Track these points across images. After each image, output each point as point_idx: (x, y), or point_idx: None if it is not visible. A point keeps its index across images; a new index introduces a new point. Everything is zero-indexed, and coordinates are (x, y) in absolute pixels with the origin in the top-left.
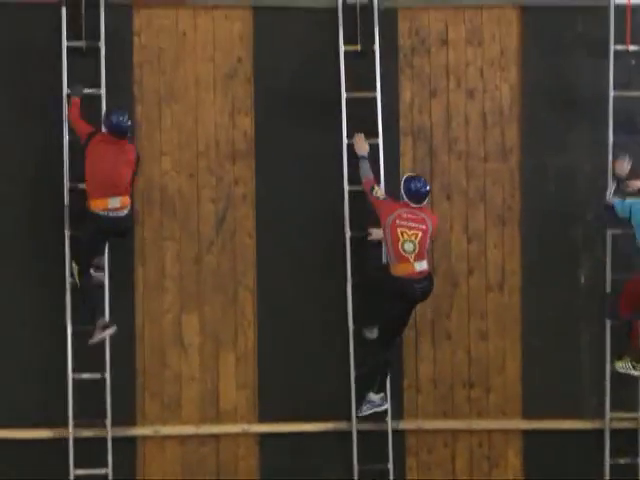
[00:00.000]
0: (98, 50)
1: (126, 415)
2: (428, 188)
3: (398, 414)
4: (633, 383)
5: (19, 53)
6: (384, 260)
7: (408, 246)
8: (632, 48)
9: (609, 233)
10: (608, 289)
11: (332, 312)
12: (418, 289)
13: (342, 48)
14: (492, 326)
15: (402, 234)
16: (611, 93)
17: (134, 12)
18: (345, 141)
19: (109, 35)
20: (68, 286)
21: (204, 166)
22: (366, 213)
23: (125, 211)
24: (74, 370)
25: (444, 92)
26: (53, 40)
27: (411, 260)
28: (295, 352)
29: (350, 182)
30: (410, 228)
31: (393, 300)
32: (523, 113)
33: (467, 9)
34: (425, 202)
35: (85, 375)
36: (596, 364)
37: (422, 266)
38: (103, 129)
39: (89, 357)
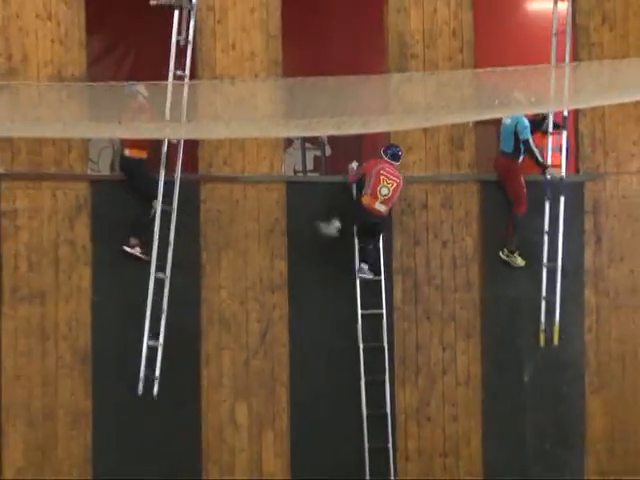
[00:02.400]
0: (170, 213)
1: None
2: (401, 152)
3: (395, 476)
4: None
5: None
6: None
7: (384, 190)
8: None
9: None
10: None
11: (349, 400)
12: (368, 219)
13: None
14: (461, 412)
15: (383, 180)
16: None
17: (201, 185)
18: (358, 276)
19: (181, 202)
20: None
21: (251, 296)
22: (377, 326)
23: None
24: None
25: (425, 242)
26: None
27: (379, 198)
28: (321, 431)
29: (362, 307)
30: (389, 178)
31: (354, 217)
32: (483, 257)
33: (441, 183)
34: (399, 162)
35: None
36: (539, 441)
37: (381, 208)
38: None
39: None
